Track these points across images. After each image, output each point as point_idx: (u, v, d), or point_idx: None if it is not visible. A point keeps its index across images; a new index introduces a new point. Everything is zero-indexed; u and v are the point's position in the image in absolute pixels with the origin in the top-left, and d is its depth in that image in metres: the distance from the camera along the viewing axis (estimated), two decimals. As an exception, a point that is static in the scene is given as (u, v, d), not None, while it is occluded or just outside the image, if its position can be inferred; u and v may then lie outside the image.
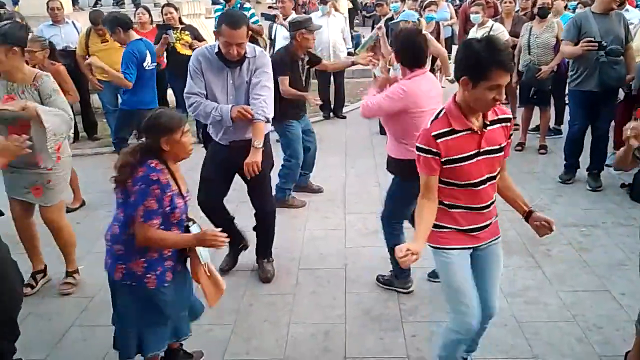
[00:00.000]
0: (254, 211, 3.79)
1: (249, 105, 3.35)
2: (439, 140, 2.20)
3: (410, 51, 3.21)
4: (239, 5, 7.60)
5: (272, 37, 7.15)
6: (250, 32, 6.20)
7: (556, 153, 6.00)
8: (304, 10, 11.42)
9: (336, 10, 8.03)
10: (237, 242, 3.87)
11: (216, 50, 3.32)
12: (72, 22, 6.95)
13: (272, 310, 3.46)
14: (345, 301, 3.52)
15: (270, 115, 3.39)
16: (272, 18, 7.11)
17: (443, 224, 2.37)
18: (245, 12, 7.30)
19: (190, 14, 8.98)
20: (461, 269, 2.39)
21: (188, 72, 3.41)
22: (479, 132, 2.23)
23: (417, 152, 2.26)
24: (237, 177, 3.67)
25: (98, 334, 3.26)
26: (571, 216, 4.62)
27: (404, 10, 7.94)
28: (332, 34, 6.91)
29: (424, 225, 2.26)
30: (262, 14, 7.24)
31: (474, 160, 2.25)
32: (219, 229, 2.52)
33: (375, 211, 4.82)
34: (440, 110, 2.29)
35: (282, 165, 4.95)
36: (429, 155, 2.22)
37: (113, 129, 5.78)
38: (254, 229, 3.81)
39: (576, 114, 5.29)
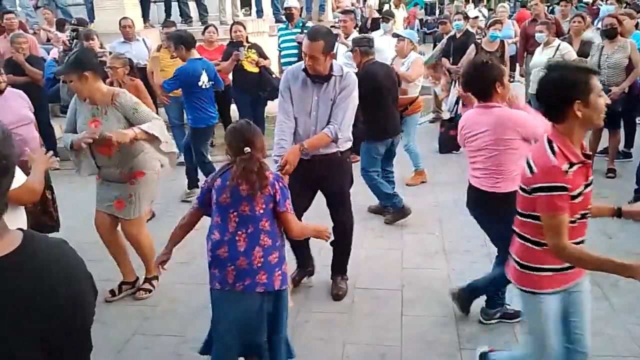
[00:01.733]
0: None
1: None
2: (567, 176, 2.11)
3: None
4: (301, 24, 7.75)
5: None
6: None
7: (625, 177, 5.75)
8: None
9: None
10: (306, 265, 3.94)
11: (303, 67, 3.43)
12: (143, 39, 7.28)
13: (327, 329, 3.46)
14: (402, 323, 3.48)
15: (339, 136, 3.41)
16: (334, 37, 7.19)
17: (545, 266, 2.28)
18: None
19: (255, 32, 9.20)
20: (555, 313, 2.32)
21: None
22: (586, 164, 2.18)
23: (548, 192, 2.11)
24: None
25: (160, 342, 3.37)
26: (641, 245, 4.40)
27: (467, 29, 7.91)
28: (393, 53, 6.89)
29: (602, 258, 2.17)
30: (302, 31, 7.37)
31: (585, 192, 2.19)
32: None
33: (433, 232, 4.79)
34: (550, 144, 2.16)
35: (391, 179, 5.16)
36: (564, 193, 2.11)
37: (181, 144, 6.02)
38: (332, 244, 3.77)
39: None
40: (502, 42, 7.00)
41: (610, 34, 5.87)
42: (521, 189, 2.25)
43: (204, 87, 5.25)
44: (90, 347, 1.25)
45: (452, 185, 5.87)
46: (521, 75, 8.28)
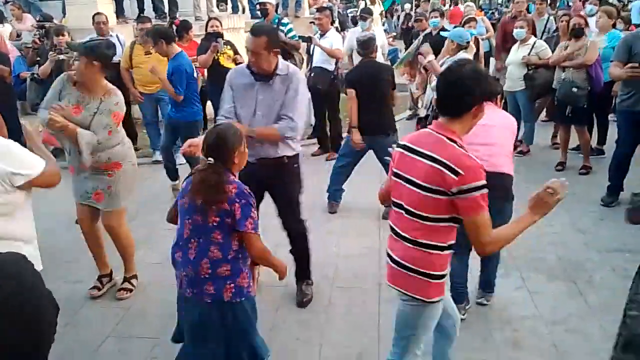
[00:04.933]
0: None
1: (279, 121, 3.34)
2: None
3: None
4: (277, 20, 7.69)
5: (311, 52, 7.19)
6: (285, 47, 6.32)
7: (598, 174, 5.83)
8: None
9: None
10: None
11: (246, 64, 3.39)
12: (117, 35, 7.13)
13: (304, 329, 3.44)
14: (379, 323, 3.47)
15: (291, 135, 3.35)
16: (308, 39, 7.17)
17: (443, 272, 2.25)
18: (283, 27, 7.38)
19: (230, 27, 9.11)
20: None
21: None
22: None
23: (479, 191, 2.08)
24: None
25: (134, 345, 3.31)
26: (615, 241, 4.46)
27: (443, 27, 7.93)
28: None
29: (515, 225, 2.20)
30: (299, 37, 7.31)
31: None
32: None
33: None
34: (455, 142, 2.16)
35: None
36: (485, 190, 2.11)
37: (162, 140, 5.87)
38: (291, 251, 3.76)
39: (625, 134, 5.14)
40: (476, 39, 7.02)
41: (577, 33, 5.97)
42: (434, 191, 2.14)
43: (193, 80, 5.18)
44: None
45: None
46: (498, 70, 8.33)
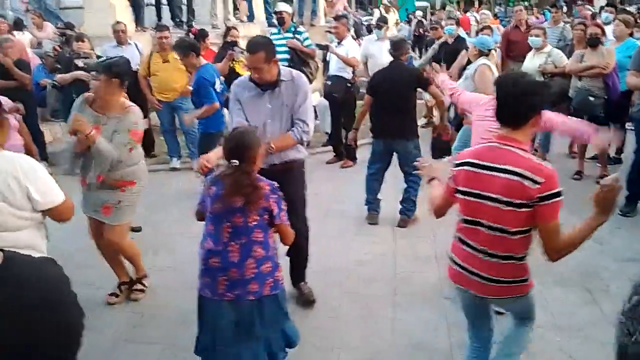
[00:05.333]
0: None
1: (291, 127, 3.40)
2: None
3: None
4: (293, 29, 7.75)
5: (327, 60, 7.23)
6: (301, 55, 6.37)
7: (616, 183, 5.76)
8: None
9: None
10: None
11: (249, 77, 3.45)
12: (135, 43, 7.24)
13: (317, 334, 3.44)
14: (393, 329, 3.46)
15: (304, 138, 3.41)
16: (325, 47, 7.22)
17: (528, 275, 2.39)
18: (299, 36, 7.44)
19: (246, 35, 9.18)
20: None
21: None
22: None
23: (558, 198, 2.15)
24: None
25: (147, 349, 3.33)
26: (631, 250, 4.42)
27: (458, 35, 7.93)
28: (386, 58, 6.91)
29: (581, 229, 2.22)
30: (317, 45, 7.38)
31: None
32: None
33: (426, 237, 4.78)
34: (524, 151, 2.25)
35: (415, 183, 4.97)
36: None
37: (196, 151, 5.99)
38: (287, 254, 3.73)
39: (643, 142, 5.11)
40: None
41: (593, 42, 5.95)
42: (516, 204, 2.17)
43: (218, 90, 5.25)
44: None
45: (443, 190, 5.88)
46: None
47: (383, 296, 3.85)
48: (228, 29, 7.18)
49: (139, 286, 3.95)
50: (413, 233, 4.87)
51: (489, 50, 5.47)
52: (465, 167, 2.31)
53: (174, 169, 6.83)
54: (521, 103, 2.21)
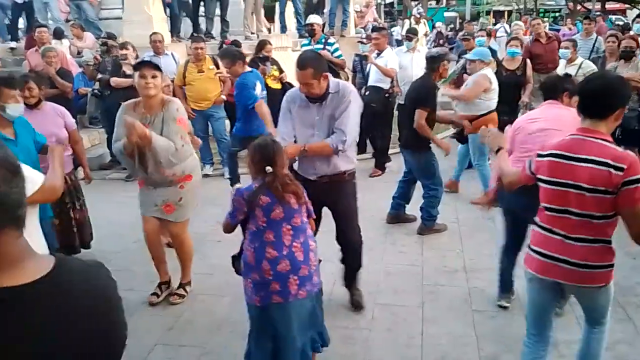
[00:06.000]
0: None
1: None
2: None
3: None
4: (323, 40, 7.86)
5: (357, 70, 7.28)
6: (331, 66, 6.45)
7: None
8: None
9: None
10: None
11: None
12: (172, 53, 7.43)
13: (347, 344, 3.48)
14: (422, 342, 3.49)
15: (343, 147, 3.43)
16: (364, 58, 7.29)
17: (614, 261, 2.52)
18: (329, 47, 7.56)
19: (278, 47, 9.33)
20: None
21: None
22: None
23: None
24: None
25: (182, 353, 3.42)
26: (666, 267, 4.35)
27: (489, 47, 7.92)
28: (416, 70, 6.96)
29: None
30: (356, 55, 7.48)
31: None
32: None
33: (454, 249, 4.79)
34: (606, 141, 2.40)
35: (428, 194, 5.08)
36: None
37: (227, 153, 6.42)
38: (342, 261, 3.85)
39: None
40: (524, 59, 6.98)
41: (627, 55, 5.91)
42: (600, 191, 2.33)
43: (259, 96, 5.44)
44: None
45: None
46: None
47: (411, 308, 3.87)
48: (262, 42, 7.30)
49: (181, 291, 4.05)
50: (441, 245, 4.88)
51: (490, 60, 5.86)
52: (549, 158, 2.48)
53: (206, 176, 6.95)
54: (609, 95, 2.42)
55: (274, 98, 6.75)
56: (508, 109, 6.17)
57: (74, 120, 4.55)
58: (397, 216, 5.42)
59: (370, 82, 6.99)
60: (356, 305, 3.85)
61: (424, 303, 3.92)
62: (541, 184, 2.54)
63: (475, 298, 3.95)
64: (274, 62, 7.07)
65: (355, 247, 3.82)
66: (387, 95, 6.93)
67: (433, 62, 5.06)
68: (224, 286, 4.06)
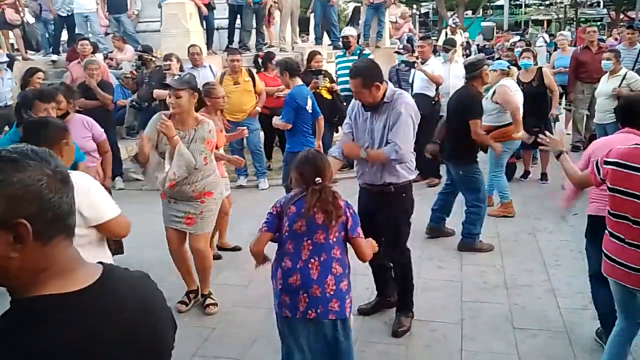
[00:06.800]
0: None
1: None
2: None
3: None
4: (358, 51, 7.84)
5: (411, 81, 7.22)
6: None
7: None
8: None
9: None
10: (385, 294, 3.94)
11: None
12: (209, 65, 7.53)
13: (383, 359, 3.41)
14: (462, 359, 3.39)
15: (393, 157, 3.37)
16: (411, 64, 7.26)
17: None
18: (364, 58, 7.53)
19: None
20: None
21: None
22: None
23: None
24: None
25: (218, 365, 3.41)
26: None
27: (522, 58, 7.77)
28: (453, 81, 6.88)
29: None
30: (403, 62, 7.44)
31: None
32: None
33: (494, 264, 4.66)
34: None
35: (471, 211, 4.92)
36: None
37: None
38: (394, 279, 3.80)
39: None
40: (539, 70, 6.79)
41: None
42: None
43: (310, 111, 5.44)
44: None
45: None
46: (569, 103, 8.11)
47: (450, 324, 3.77)
48: (312, 53, 7.33)
49: (211, 300, 4.08)
50: (480, 260, 4.76)
51: (509, 68, 5.96)
52: (611, 167, 2.56)
53: (240, 187, 7.01)
54: None
55: (325, 109, 6.78)
56: (535, 120, 5.99)
57: (102, 131, 4.65)
58: (437, 229, 5.26)
59: (416, 90, 6.94)
60: (394, 333, 3.65)
61: (463, 320, 3.82)
62: (608, 192, 2.62)
63: (517, 315, 3.83)
64: (326, 74, 7.10)
65: (399, 267, 3.74)
66: (432, 102, 6.87)
67: (473, 68, 4.96)
68: (259, 298, 4.04)
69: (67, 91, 4.57)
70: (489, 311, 3.91)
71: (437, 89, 6.92)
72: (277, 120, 5.42)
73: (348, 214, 2.71)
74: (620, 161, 2.53)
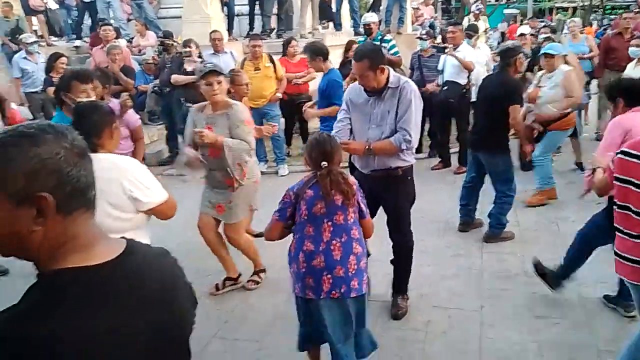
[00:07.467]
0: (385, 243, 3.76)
1: (395, 133, 3.41)
2: None
3: None
4: (380, 37, 7.77)
5: (441, 67, 7.14)
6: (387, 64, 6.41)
7: None
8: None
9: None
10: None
11: None
12: (231, 52, 7.55)
13: (402, 346, 3.42)
14: (480, 346, 3.38)
15: (404, 147, 3.38)
16: (442, 50, 7.19)
17: None
18: (385, 44, 7.49)
19: (333, 45, 9.31)
20: None
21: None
22: None
23: None
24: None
25: (238, 346, 3.45)
26: None
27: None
28: (477, 67, 6.79)
29: None
30: (433, 46, 7.37)
31: None
32: None
33: (515, 252, 4.62)
34: None
35: (503, 201, 4.80)
36: None
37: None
38: (392, 262, 3.78)
39: None
40: (563, 57, 6.64)
41: None
42: None
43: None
44: (189, 356, 1.24)
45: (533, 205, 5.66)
46: (599, 87, 7.97)
47: (469, 312, 3.76)
48: (349, 43, 7.30)
49: (255, 277, 4.18)
50: (500, 249, 4.72)
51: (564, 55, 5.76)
52: (620, 156, 2.54)
53: (261, 173, 7.02)
54: None
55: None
56: None
57: (137, 117, 4.54)
58: (468, 223, 5.14)
59: (447, 77, 6.87)
60: (394, 316, 3.69)
61: (482, 307, 3.80)
62: (614, 181, 2.59)
63: (537, 304, 3.81)
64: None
65: (402, 249, 3.72)
66: (463, 90, 6.81)
67: (508, 55, 4.78)
68: (279, 282, 4.07)
69: (103, 76, 4.47)
70: (508, 299, 3.89)
71: (469, 77, 6.81)
72: (327, 109, 5.22)
73: (360, 195, 2.79)
74: (629, 150, 2.50)
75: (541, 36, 7.89)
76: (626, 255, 2.56)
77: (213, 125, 3.76)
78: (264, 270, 4.23)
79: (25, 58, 8.03)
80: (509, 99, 4.66)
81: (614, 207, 2.63)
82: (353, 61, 3.43)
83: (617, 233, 2.62)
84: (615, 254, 2.64)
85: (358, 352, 2.86)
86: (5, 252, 1.06)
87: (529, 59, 7.63)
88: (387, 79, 3.40)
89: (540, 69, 6.03)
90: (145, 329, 1.07)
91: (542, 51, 5.72)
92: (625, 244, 2.57)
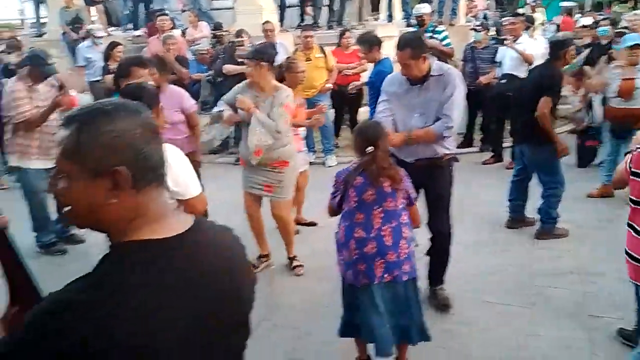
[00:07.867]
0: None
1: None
2: None
3: None
4: (431, 29, 7.66)
5: (499, 59, 7.02)
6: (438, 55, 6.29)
7: None
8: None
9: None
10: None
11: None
12: (282, 42, 7.61)
13: (447, 338, 3.38)
14: (528, 343, 3.31)
15: (446, 134, 3.36)
16: (501, 42, 7.06)
17: None
18: (437, 35, 7.39)
19: (385, 36, 9.24)
20: None
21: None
22: None
23: None
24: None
25: (277, 333, 3.49)
26: None
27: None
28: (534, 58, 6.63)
29: None
30: (493, 38, 7.25)
31: None
32: None
33: (568, 250, 4.50)
34: None
35: (550, 193, 4.69)
36: None
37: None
38: (428, 253, 3.72)
39: None
40: None
41: None
42: None
43: None
44: (248, 332, 1.25)
45: (590, 202, 5.50)
46: None
47: (518, 308, 3.69)
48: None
49: (297, 262, 4.29)
50: (552, 245, 4.60)
51: None
52: (638, 150, 2.52)
53: (309, 163, 7.07)
54: None
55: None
56: None
57: (192, 102, 4.52)
58: (518, 219, 5.00)
59: (506, 70, 6.74)
60: (440, 306, 3.65)
61: (532, 304, 3.73)
62: (631, 177, 2.55)
63: (589, 302, 3.70)
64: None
65: (441, 238, 3.65)
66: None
67: (558, 47, 4.66)
68: (324, 270, 4.09)
69: (160, 64, 4.49)
70: (559, 297, 3.79)
71: (528, 70, 6.62)
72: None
73: (407, 182, 2.81)
74: None
75: (600, 29, 7.58)
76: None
77: (258, 104, 3.92)
78: (296, 257, 4.34)
79: (89, 47, 8.34)
80: (546, 89, 4.55)
81: (630, 203, 2.56)
82: (396, 50, 3.40)
83: (629, 230, 2.56)
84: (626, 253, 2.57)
85: (404, 339, 2.88)
86: (81, 224, 1.11)
87: (589, 50, 7.40)
88: (429, 67, 3.39)
89: (610, 60, 5.81)
90: (208, 300, 1.10)
91: (628, 43, 5.43)
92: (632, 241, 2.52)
